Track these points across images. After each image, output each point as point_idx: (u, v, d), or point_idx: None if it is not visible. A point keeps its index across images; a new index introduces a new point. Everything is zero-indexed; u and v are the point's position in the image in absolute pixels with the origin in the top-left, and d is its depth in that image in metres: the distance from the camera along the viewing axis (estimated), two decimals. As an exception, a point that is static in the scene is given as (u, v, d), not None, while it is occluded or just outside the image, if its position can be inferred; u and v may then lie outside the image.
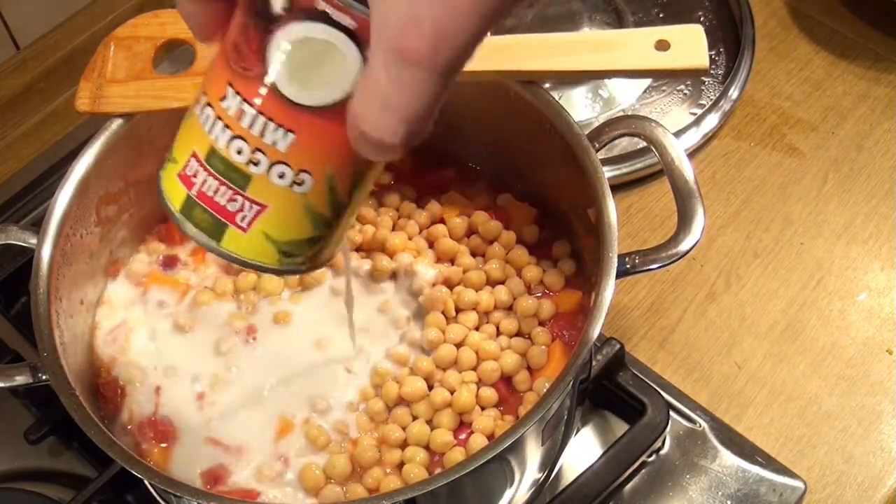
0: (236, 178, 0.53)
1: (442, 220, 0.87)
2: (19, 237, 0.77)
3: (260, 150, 0.52)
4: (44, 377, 0.71)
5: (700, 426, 0.85)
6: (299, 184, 0.53)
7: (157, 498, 0.76)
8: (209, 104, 0.53)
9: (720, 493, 0.82)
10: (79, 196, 0.78)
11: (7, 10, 1.10)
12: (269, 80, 0.51)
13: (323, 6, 0.48)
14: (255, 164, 0.52)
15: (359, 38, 0.48)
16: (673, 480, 0.83)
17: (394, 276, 0.84)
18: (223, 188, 0.54)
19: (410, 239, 0.85)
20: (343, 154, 0.52)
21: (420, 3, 0.45)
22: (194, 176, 0.55)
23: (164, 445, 0.77)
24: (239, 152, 0.52)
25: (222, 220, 0.54)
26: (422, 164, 0.91)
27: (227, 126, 0.52)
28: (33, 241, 0.76)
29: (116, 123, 0.80)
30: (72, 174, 0.78)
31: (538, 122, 0.80)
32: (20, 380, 0.72)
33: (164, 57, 0.82)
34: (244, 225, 0.54)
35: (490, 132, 0.86)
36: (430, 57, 0.45)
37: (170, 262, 0.86)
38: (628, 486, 0.83)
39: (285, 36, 0.50)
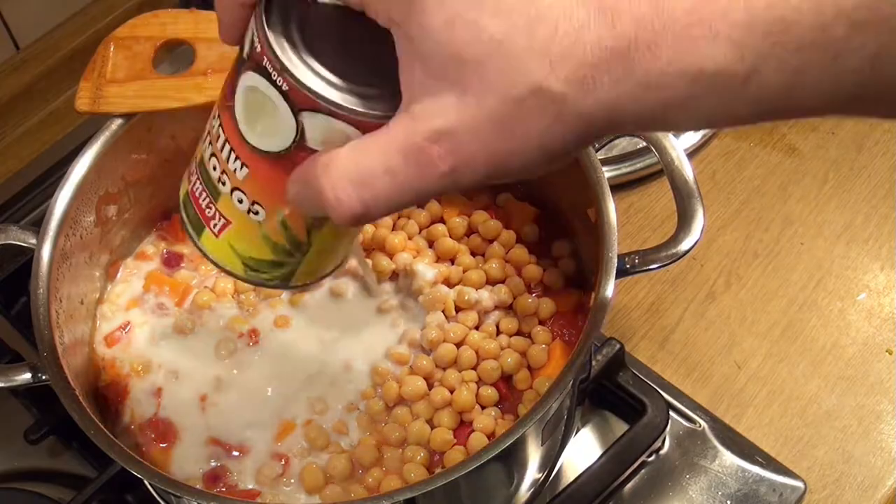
0: (211, 189, 0.57)
1: (442, 220, 0.87)
2: (19, 237, 0.77)
3: (225, 173, 0.55)
4: (44, 377, 0.71)
5: (700, 426, 0.85)
6: (255, 213, 0.56)
7: (157, 498, 0.76)
8: (213, 115, 0.56)
9: (720, 493, 0.82)
10: (79, 196, 0.78)
11: (7, 10, 1.10)
12: (235, 113, 0.53)
13: (265, 64, 0.50)
14: (223, 183, 0.56)
15: (290, 100, 0.50)
16: (673, 480, 0.83)
17: (394, 276, 0.84)
18: (204, 194, 0.57)
19: (410, 238, 0.85)
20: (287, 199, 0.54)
21: (466, 132, 0.46)
22: (191, 175, 0.59)
23: (164, 446, 0.77)
24: (214, 168, 0.56)
25: (202, 220, 0.58)
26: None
27: (210, 141, 0.56)
28: (33, 241, 0.76)
29: (116, 123, 0.80)
30: (72, 174, 0.78)
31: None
32: (20, 380, 0.72)
33: (164, 57, 0.82)
34: (215, 231, 0.58)
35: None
36: (450, 174, 0.47)
37: (173, 261, 0.86)
38: (628, 486, 0.83)
39: (243, 79, 0.52)
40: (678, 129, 0.47)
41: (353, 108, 0.50)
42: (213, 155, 0.56)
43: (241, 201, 0.55)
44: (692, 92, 0.44)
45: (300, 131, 0.51)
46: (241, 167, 0.54)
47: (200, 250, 0.60)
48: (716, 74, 0.43)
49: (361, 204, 0.48)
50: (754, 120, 0.45)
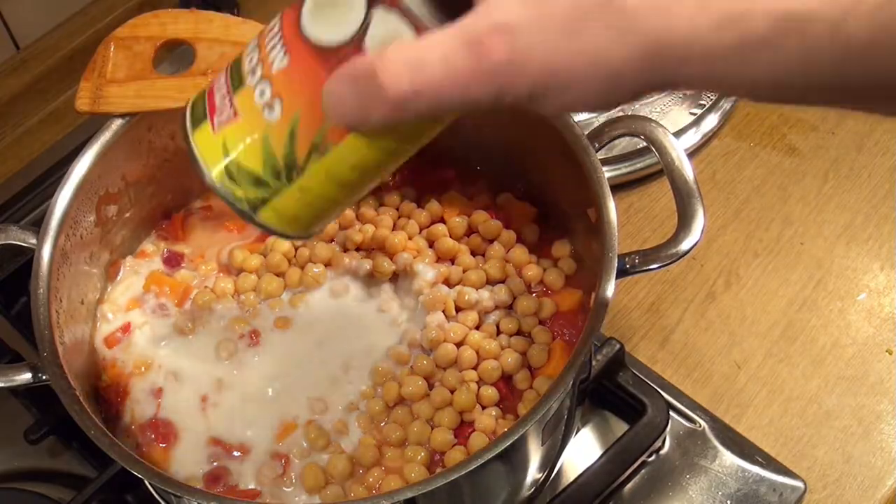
0: (236, 80, 0.57)
1: (442, 220, 0.87)
2: (19, 237, 0.77)
3: (262, 62, 0.56)
4: (44, 377, 0.71)
5: (700, 426, 0.85)
6: (270, 108, 0.55)
7: (157, 498, 0.76)
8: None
9: (720, 493, 0.82)
10: (79, 196, 0.78)
11: (7, 10, 1.10)
12: (303, 6, 0.54)
13: None
14: (253, 73, 0.56)
15: None
16: (673, 480, 0.83)
17: (394, 276, 0.84)
18: (224, 87, 0.58)
19: (410, 239, 0.85)
20: (315, 101, 0.54)
21: (532, 26, 0.45)
22: (216, 74, 0.60)
23: (164, 446, 0.77)
24: (250, 60, 0.56)
25: (206, 113, 0.58)
26: (422, 164, 0.91)
27: (259, 37, 0.57)
28: (33, 241, 0.76)
29: (116, 123, 0.80)
30: (72, 174, 0.78)
31: (538, 122, 0.80)
32: (20, 380, 0.72)
33: (164, 57, 0.82)
34: (215, 125, 0.58)
35: (490, 132, 0.86)
36: (503, 69, 0.46)
37: (173, 260, 0.86)
38: (628, 486, 0.83)
39: None
40: (741, 84, 0.44)
41: (427, 14, 0.50)
42: (256, 48, 0.56)
43: (262, 94, 0.55)
44: (775, 33, 0.42)
45: (364, 27, 0.51)
46: (283, 56, 0.54)
47: (189, 145, 0.59)
48: (804, 17, 0.41)
49: (410, 85, 0.47)
50: (828, 84, 0.43)
